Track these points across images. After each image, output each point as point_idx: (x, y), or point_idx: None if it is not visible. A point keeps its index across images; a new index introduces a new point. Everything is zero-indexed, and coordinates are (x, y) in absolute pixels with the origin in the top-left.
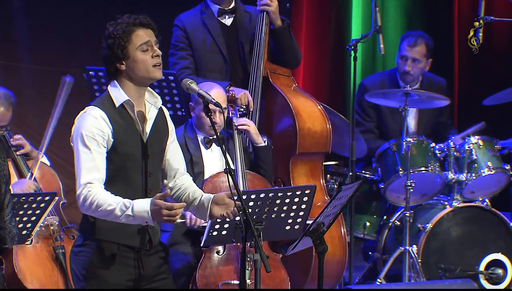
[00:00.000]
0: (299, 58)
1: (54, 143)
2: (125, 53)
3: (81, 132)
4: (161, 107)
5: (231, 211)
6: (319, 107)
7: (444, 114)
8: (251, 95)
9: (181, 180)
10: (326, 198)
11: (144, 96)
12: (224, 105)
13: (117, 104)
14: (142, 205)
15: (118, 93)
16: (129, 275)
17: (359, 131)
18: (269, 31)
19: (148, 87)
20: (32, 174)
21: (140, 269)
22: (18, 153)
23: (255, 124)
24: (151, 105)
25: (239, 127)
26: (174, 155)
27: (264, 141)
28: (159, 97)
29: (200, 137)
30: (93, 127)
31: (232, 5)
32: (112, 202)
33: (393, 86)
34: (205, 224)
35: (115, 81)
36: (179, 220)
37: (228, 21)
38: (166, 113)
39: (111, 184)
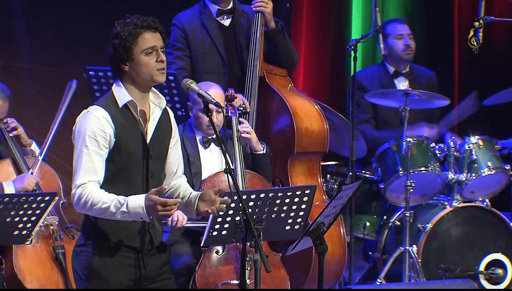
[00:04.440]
0: (295, 60)
1: (55, 143)
2: (130, 55)
3: (83, 132)
4: (165, 107)
5: (216, 207)
6: (316, 107)
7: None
8: (248, 96)
9: (176, 181)
10: (324, 197)
11: (148, 97)
12: (222, 104)
13: (120, 105)
14: (137, 201)
15: (121, 94)
16: (131, 275)
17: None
18: (264, 33)
19: (153, 88)
20: (32, 173)
21: (142, 269)
22: (11, 134)
23: (253, 124)
24: (155, 106)
25: (242, 134)
26: (174, 157)
27: (263, 149)
28: (163, 98)
29: (198, 137)
30: (95, 128)
31: (231, 5)
32: (106, 200)
33: (384, 74)
34: (188, 225)
35: (120, 81)
36: None
37: (226, 21)
38: (171, 114)
39: (112, 184)
